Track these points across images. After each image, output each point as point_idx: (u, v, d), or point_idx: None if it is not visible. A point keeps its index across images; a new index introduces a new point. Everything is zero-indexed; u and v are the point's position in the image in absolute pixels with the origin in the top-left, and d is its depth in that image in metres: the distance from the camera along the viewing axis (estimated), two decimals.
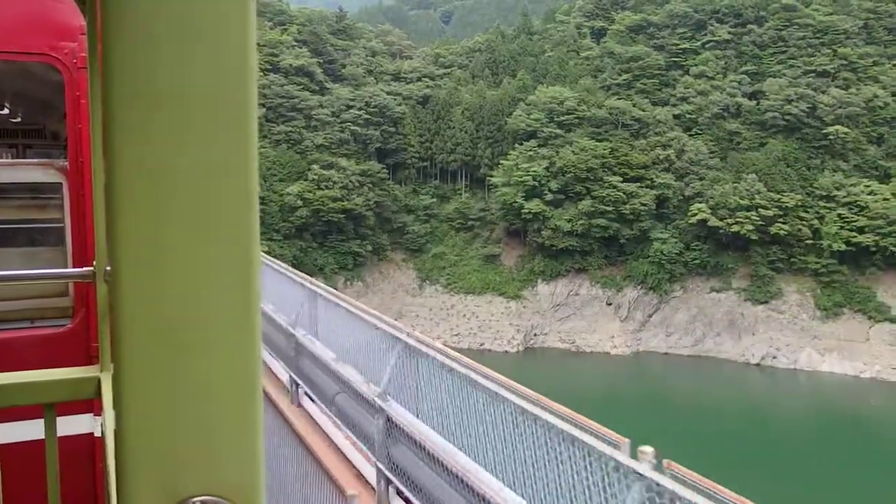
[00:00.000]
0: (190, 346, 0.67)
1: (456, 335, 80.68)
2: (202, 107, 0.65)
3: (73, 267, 4.98)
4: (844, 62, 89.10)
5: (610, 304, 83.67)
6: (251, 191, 0.68)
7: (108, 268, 0.69)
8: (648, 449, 5.16)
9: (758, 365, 77.33)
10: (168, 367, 0.67)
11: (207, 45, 0.64)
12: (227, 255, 0.68)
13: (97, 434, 4.44)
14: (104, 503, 2.38)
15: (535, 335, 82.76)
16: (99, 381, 2.82)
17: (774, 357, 77.48)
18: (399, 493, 8.52)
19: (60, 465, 2.79)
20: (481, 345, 79.77)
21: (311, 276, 15.47)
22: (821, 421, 64.20)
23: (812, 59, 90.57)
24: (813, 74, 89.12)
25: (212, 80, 0.65)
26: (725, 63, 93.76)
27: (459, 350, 8.70)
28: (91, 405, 4.49)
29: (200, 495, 0.67)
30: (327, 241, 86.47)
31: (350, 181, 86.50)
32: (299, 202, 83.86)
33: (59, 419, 2.83)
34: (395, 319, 9.21)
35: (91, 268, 3.22)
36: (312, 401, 11.68)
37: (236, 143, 0.66)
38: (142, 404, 0.66)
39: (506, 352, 79.48)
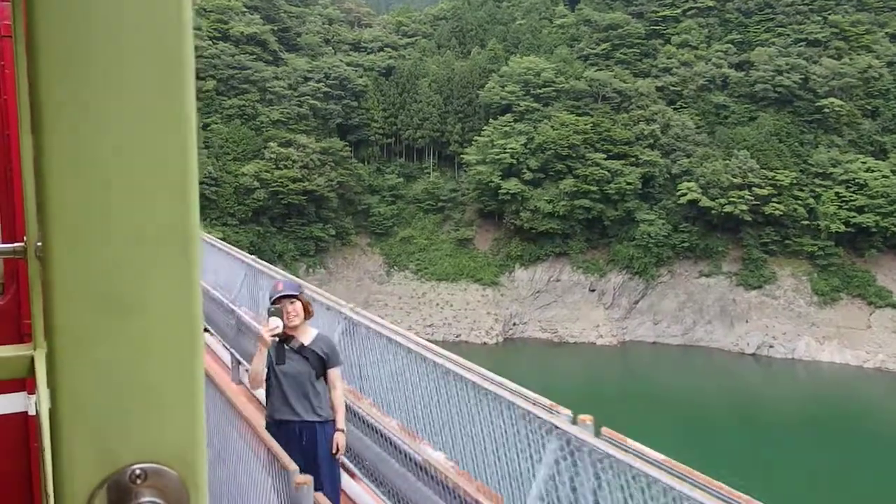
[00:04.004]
0: (127, 316, 0.69)
1: (429, 325, 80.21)
2: (135, 73, 0.66)
3: (3, 242, 4.93)
4: (836, 30, 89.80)
5: (593, 291, 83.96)
6: (188, 155, 0.69)
7: (40, 243, 0.70)
8: (589, 417, 5.59)
9: (753, 355, 77.42)
10: (104, 339, 0.68)
11: (140, 10, 0.65)
12: (164, 222, 0.69)
13: (31, 413, 4.51)
14: (40, 482, 2.49)
15: (515, 325, 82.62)
16: (32, 359, 2.85)
17: (771, 346, 77.49)
18: (343, 467, 8.82)
19: None
20: (458, 336, 79.21)
21: (271, 263, 15.71)
22: (822, 415, 63.81)
23: (802, 26, 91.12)
24: (803, 43, 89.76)
25: (145, 45, 0.66)
26: (709, 32, 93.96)
27: (434, 342, 8.85)
28: (24, 384, 4.53)
29: (139, 462, 0.69)
30: (287, 225, 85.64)
31: (311, 160, 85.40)
32: (256, 183, 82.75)
33: None
34: (363, 309, 9.39)
35: (22, 243, 3.22)
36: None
37: (172, 108, 0.67)
38: (77, 378, 0.68)
39: (484, 343, 79.05)
